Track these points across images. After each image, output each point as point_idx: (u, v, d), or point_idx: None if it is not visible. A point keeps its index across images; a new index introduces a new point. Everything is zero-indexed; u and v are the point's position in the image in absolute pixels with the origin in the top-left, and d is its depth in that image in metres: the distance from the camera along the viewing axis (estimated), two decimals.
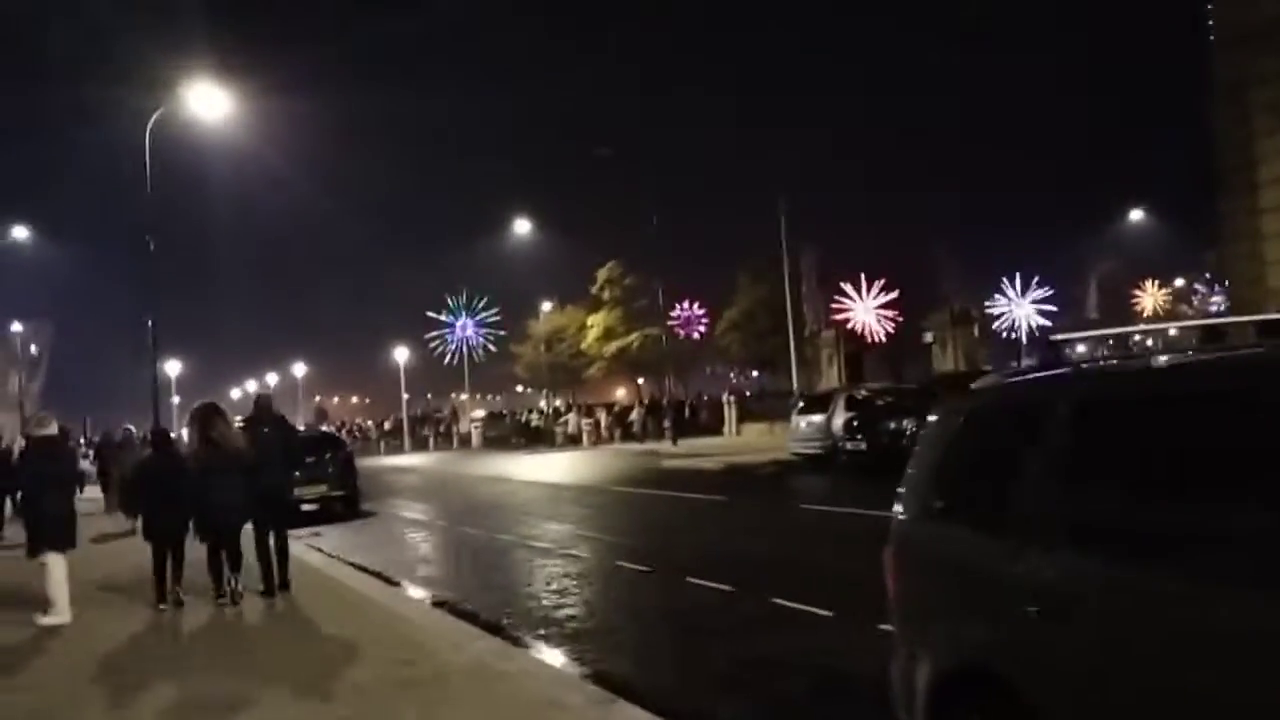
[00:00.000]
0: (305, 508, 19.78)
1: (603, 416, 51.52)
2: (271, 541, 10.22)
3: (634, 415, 47.86)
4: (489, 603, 9.85)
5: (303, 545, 14.75)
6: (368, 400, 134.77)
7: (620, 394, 65.90)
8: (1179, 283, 67.45)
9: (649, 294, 56.99)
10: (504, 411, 74.67)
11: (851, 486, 18.52)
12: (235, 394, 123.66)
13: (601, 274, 57.57)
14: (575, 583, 10.75)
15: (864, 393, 23.51)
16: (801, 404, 24.30)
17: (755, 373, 65.81)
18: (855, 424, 20.42)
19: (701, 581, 9.82)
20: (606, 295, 57.58)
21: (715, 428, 46.07)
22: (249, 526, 10.19)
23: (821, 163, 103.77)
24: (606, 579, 10.95)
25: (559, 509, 19.42)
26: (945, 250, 47.70)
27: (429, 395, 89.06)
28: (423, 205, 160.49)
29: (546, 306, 61.55)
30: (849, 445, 20.28)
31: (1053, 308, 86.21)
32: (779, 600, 8.62)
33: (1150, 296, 78.17)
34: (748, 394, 52.96)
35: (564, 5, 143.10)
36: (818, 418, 22.72)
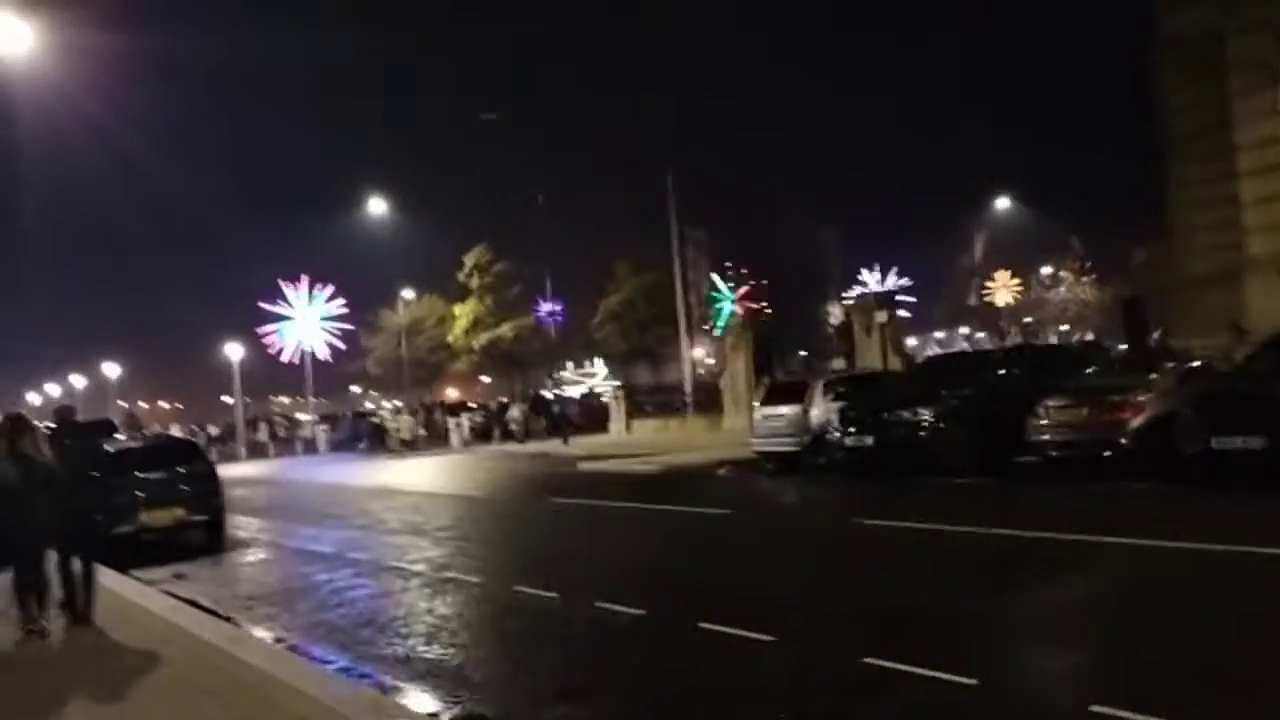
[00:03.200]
0: (150, 538, 15.00)
1: (464, 418, 46.98)
2: (77, 567, 9.20)
3: (513, 413, 43.41)
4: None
5: (159, 595, 10.85)
6: (179, 405, 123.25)
7: (451, 393, 60.99)
8: (1046, 270, 68.00)
9: (522, 281, 52.83)
10: (343, 413, 68.26)
11: (886, 493, 15.00)
12: (34, 399, 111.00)
13: (470, 259, 52.38)
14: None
15: (849, 378, 20.13)
16: (766, 394, 20.62)
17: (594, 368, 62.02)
18: (854, 415, 16.90)
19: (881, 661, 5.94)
20: (475, 283, 52.50)
21: (593, 426, 42.36)
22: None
23: (708, 142, 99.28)
24: (722, 660, 6.91)
25: (504, 530, 15.15)
26: (834, 237, 45.28)
27: (246, 399, 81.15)
28: (264, 173, 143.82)
29: (408, 294, 55.82)
30: (848, 440, 16.72)
31: (910, 298, 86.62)
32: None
33: (1003, 289, 79.05)
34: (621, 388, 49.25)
35: None
36: (788, 409, 19.12)
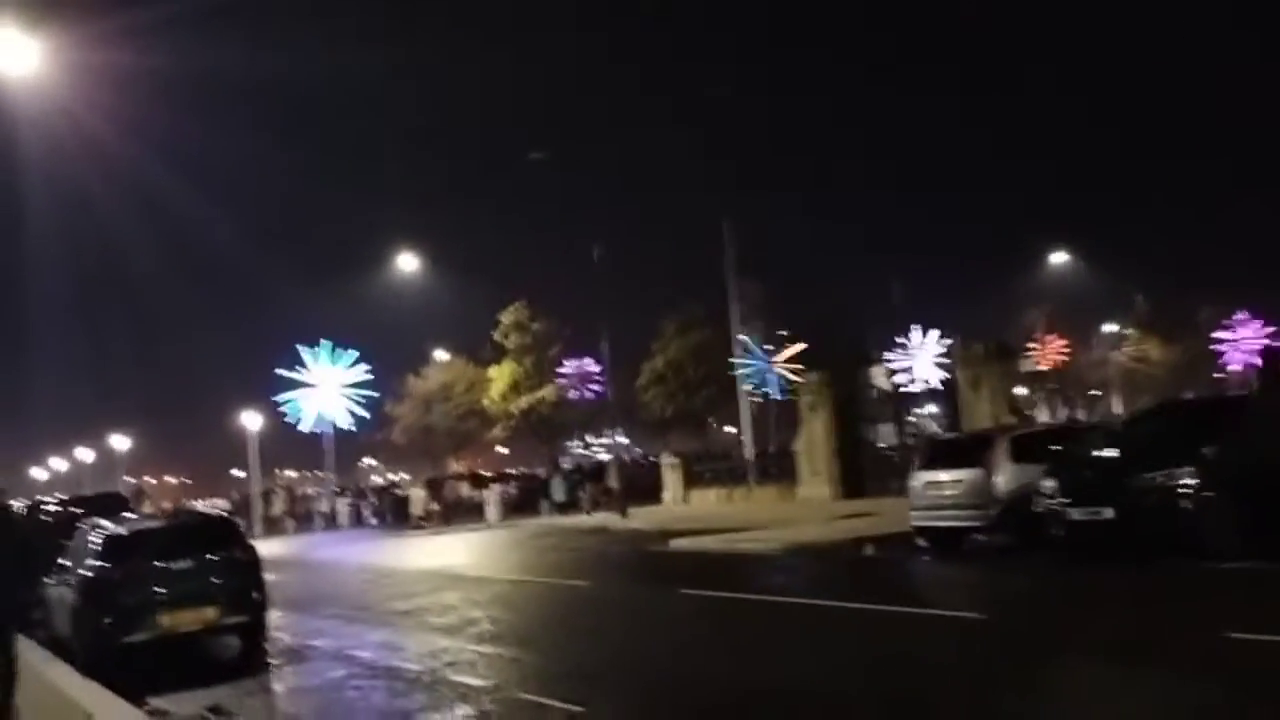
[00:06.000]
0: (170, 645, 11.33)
1: (496, 489, 43.19)
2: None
3: (556, 483, 39.53)
4: None
5: None
6: (186, 479, 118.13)
7: (455, 466, 56.97)
8: (1108, 328, 64.36)
9: (561, 341, 49.17)
10: (346, 486, 63.89)
11: (1191, 587, 11.13)
12: (39, 474, 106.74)
13: (507, 317, 48.73)
14: None
15: (1041, 435, 16.36)
16: (927, 456, 16.79)
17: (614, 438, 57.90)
18: (1085, 480, 13.08)
19: None
20: (512, 343, 48.79)
21: (641, 497, 38.39)
22: None
23: (764, 194, 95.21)
24: None
25: (662, 642, 11.30)
26: (900, 291, 41.73)
27: (242, 474, 76.39)
28: (286, 208, 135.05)
29: (441, 355, 52.02)
30: (1076, 513, 12.89)
31: (947, 359, 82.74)
32: None
33: (1048, 353, 75.09)
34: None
35: None
36: (964, 475, 15.31)
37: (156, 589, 11.66)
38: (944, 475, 15.74)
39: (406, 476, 77.10)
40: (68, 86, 22.54)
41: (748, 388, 45.11)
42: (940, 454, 16.43)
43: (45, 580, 13.47)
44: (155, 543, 12.25)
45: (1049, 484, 13.56)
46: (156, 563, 11.86)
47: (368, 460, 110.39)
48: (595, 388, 54.95)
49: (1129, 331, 63.97)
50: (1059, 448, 15.27)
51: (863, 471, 31.48)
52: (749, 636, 10.72)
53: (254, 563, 12.67)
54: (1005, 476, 14.89)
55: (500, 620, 13.09)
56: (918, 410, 42.20)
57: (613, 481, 34.21)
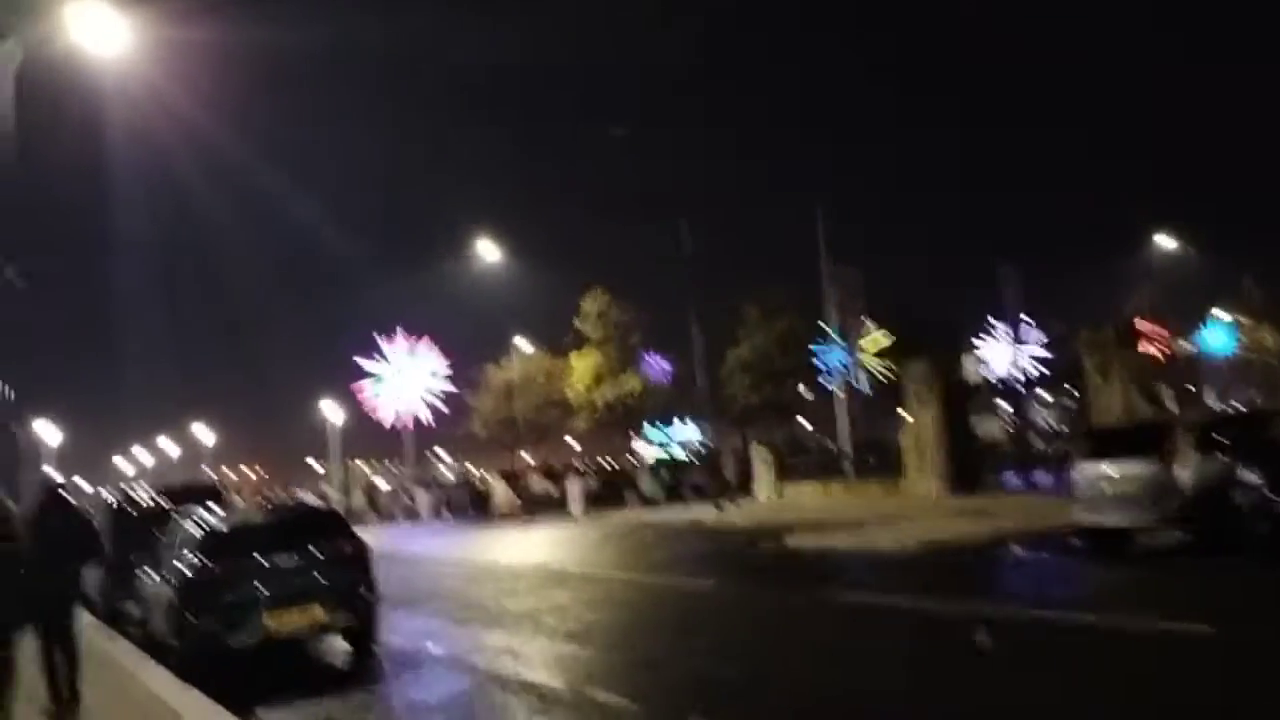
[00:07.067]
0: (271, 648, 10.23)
1: (577, 481, 42.04)
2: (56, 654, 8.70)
3: (645, 475, 38.23)
4: None
5: None
6: (262, 471, 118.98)
7: (525, 458, 55.95)
8: (1218, 314, 61.10)
9: (642, 329, 47.79)
10: (427, 479, 63.39)
11: None
12: (123, 465, 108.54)
13: (588, 305, 47.50)
14: None
15: (1232, 421, 14.62)
16: (1090, 444, 15.08)
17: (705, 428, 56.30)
18: None
19: None
20: (593, 331, 47.55)
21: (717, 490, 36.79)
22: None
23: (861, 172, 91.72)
24: None
25: (863, 662, 9.87)
26: (1013, 275, 39.45)
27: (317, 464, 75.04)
28: (371, 192, 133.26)
29: (523, 345, 50.98)
30: None
31: (1046, 354, 79.42)
32: None
33: (1148, 340, 71.62)
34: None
35: None
36: (1139, 466, 13.61)
37: (259, 587, 10.59)
38: (1114, 468, 14.06)
39: (472, 469, 76.29)
40: (154, 64, 21.65)
41: (835, 378, 43.38)
42: (1107, 445, 14.70)
43: (140, 575, 12.60)
44: (257, 537, 11.17)
45: (1251, 476, 11.85)
46: (259, 559, 10.79)
47: (438, 450, 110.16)
48: (665, 379, 53.59)
49: (1239, 319, 60.58)
50: (1247, 436, 13.52)
51: (974, 465, 29.84)
52: (931, 655, 9.23)
53: (363, 557, 11.57)
54: (1190, 469, 13.18)
55: (629, 626, 11.83)
56: (1032, 400, 40.11)
57: (729, 474, 32.73)
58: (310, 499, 36.02)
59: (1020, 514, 20.68)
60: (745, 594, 14.11)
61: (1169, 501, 13.22)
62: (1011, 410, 41.36)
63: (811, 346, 42.36)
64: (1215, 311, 59.51)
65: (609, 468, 49.94)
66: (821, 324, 41.32)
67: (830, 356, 41.57)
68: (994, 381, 49.41)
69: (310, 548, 11.08)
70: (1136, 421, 18.84)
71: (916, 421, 31.27)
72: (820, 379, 44.92)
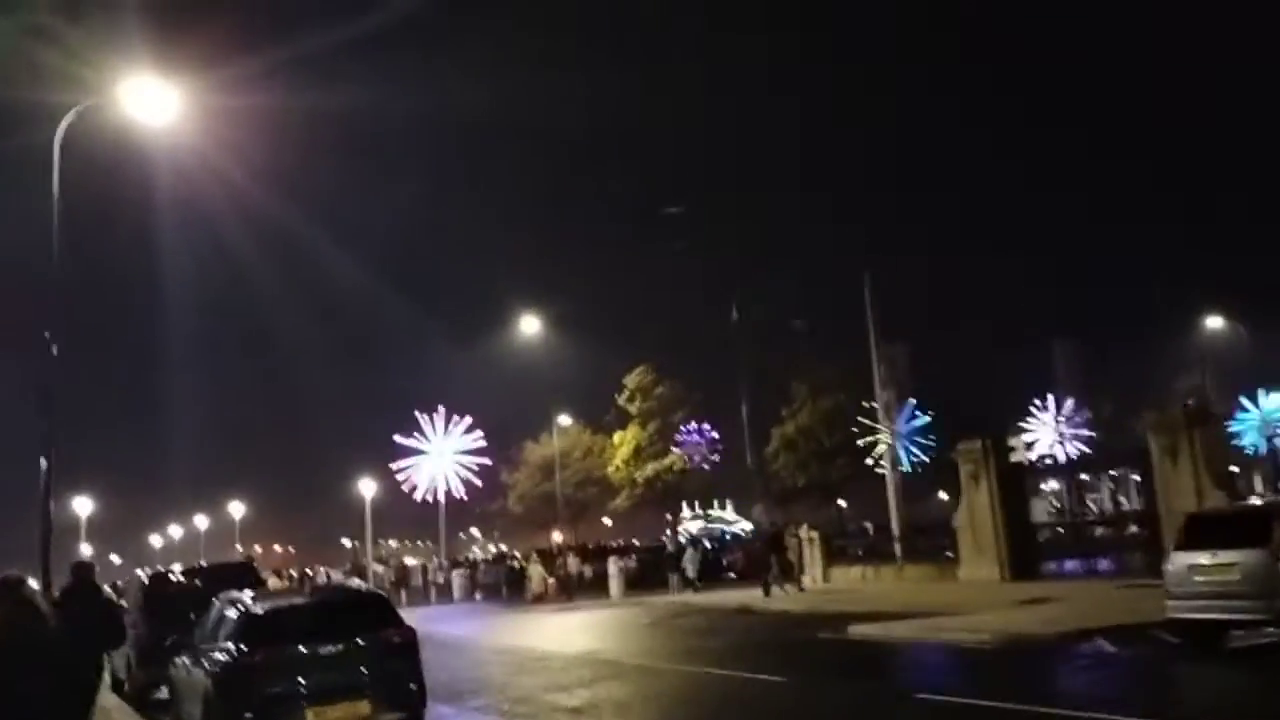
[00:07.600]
0: None
1: (616, 562, 40.98)
2: None
3: (689, 556, 37.05)
4: None
5: None
6: (291, 549, 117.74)
7: (556, 537, 54.81)
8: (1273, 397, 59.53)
9: (688, 406, 47.11)
10: (460, 558, 62.42)
11: None
12: (155, 541, 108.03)
13: (631, 380, 46.94)
14: None
15: None
16: (1187, 532, 14.04)
17: (758, 510, 55.20)
18: None
19: None
20: (636, 408, 46.89)
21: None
22: None
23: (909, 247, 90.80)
24: None
25: None
26: (1068, 350, 38.51)
27: (355, 542, 73.94)
28: (412, 261, 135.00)
29: (564, 421, 50.42)
30: None
31: (1088, 432, 77.66)
32: None
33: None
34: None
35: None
36: (1240, 556, 12.58)
37: (301, 680, 9.80)
38: (1212, 558, 13.04)
39: (505, 548, 74.98)
40: (204, 134, 21.54)
41: (882, 459, 42.33)
42: (1204, 532, 13.67)
43: (174, 660, 11.87)
44: (299, 623, 10.43)
45: None
46: (301, 648, 10.02)
47: (472, 530, 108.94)
48: (712, 455, 52.65)
49: None
50: None
51: (1033, 550, 28.69)
52: None
53: (411, 646, 10.76)
54: None
55: None
56: (1081, 482, 38.73)
57: (792, 555, 31.58)
58: (354, 581, 35.20)
59: (1091, 603, 19.56)
60: (822, 692, 13.07)
61: (1273, 596, 12.17)
62: (1062, 492, 40.07)
63: (858, 425, 41.54)
64: (1243, 401, 58.07)
65: (649, 547, 48.94)
66: (869, 404, 40.48)
67: (881, 438, 40.69)
68: (1036, 462, 48.10)
69: (356, 637, 10.31)
70: (1237, 508, 17.70)
71: (971, 502, 30.14)
72: (868, 459, 43.91)
